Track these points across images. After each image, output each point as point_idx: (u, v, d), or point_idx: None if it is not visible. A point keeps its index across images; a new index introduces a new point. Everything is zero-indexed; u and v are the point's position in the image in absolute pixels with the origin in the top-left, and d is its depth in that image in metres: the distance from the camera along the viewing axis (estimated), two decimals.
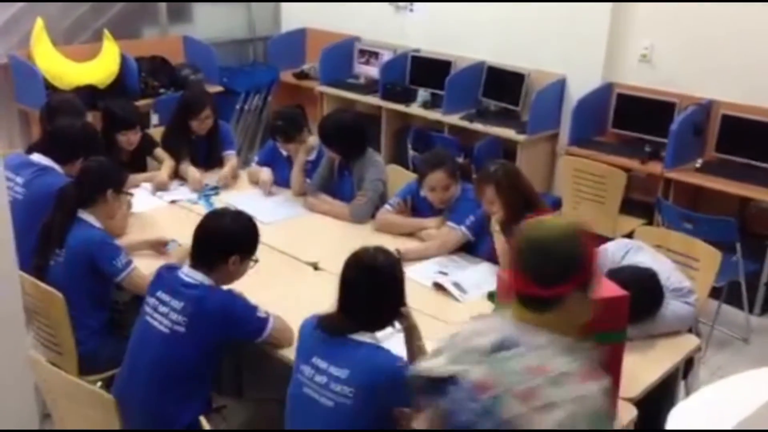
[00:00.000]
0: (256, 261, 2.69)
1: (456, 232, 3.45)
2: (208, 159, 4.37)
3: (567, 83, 5.42)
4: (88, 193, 3.10)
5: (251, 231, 2.68)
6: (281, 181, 4.15)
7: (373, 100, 6.08)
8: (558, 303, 1.69)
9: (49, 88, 5.33)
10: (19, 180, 3.38)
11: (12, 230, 2.69)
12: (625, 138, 5.18)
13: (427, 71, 6.00)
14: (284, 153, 4.18)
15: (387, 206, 3.72)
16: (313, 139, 4.07)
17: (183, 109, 4.37)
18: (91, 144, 3.55)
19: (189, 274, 2.56)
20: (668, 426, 1.68)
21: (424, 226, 3.59)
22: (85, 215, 3.06)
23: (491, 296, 2.57)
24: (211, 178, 4.24)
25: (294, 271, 3.30)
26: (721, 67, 4.78)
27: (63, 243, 2.99)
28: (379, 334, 2.35)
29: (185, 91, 5.26)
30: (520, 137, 5.25)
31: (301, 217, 3.87)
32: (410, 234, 3.60)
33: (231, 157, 4.40)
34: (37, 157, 3.48)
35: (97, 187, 3.12)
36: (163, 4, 6.41)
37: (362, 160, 3.89)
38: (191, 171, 4.21)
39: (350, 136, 3.88)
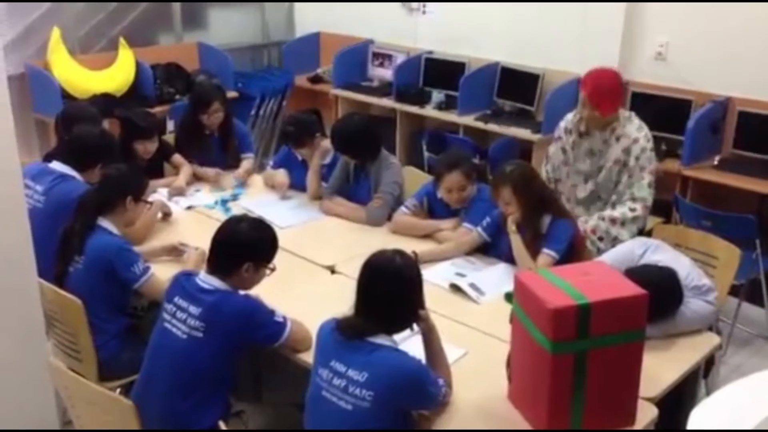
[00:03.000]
0: (273, 269, 2.68)
1: (472, 233, 3.44)
2: (224, 158, 4.39)
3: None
4: (107, 200, 3.12)
5: (267, 240, 2.67)
6: (297, 184, 4.16)
7: (388, 102, 6.08)
8: None
9: (66, 97, 5.38)
10: (39, 188, 3.41)
11: (31, 238, 2.72)
12: None
13: (441, 73, 5.99)
14: (299, 157, 4.19)
15: (403, 208, 3.71)
16: (328, 143, 4.08)
17: (193, 105, 4.41)
18: (109, 151, 3.58)
19: (206, 279, 2.57)
20: (689, 426, 1.67)
21: (440, 228, 3.59)
22: (105, 222, 3.08)
23: (509, 297, 2.57)
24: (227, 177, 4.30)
25: (311, 274, 3.31)
26: (738, 64, 4.74)
27: (82, 249, 3.01)
28: (397, 337, 2.35)
29: (193, 88, 5.32)
30: (536, 137, 5.23)
31: (318, 221, 3.87)
32: (426, 236, 3.59)
33: (248, 160, 4.45)
34: (56, 165, 3.50)
35: (117, 194, 3.14)
36: (178, 12, 6.46)
37: (377, 162, 3.89)
38: (206, 169, 4.28)
39: (361, 140, 3.88)
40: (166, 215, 3.80)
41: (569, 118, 3.86)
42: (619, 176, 3.66)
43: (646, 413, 2.34)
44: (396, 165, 3.95)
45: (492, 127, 5.46)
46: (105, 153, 3.53)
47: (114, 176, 3.20)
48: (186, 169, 4.26)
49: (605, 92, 3.61)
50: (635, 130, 3.64)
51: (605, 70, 3.75)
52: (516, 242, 3.21)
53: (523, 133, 5.32)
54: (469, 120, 5.57)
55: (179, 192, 4.09)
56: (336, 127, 4.01)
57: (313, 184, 4.05)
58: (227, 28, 6.84)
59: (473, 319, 2.91)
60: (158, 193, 4.00)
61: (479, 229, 3.42)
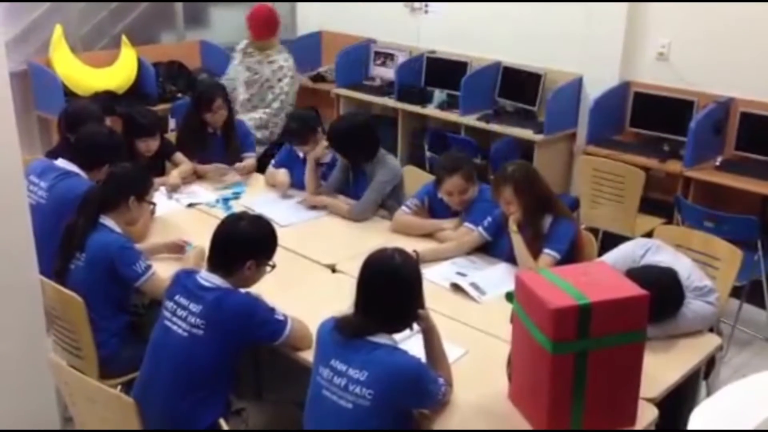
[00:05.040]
0: (273, 266, 2.68)
1: (473, 233, 3.44)
2: (226, 156, 4.39)
3: (584, 82, 5.40)
4: (111, 198, 3.12)
5: (268, 236, 2.68)
6: (299, 183, 4.15)
7: (389, 101, 6.08)
8: None
9: (68, 94, 5.39)
10: (43, 184, 3.42)
11: (32, 235, 2.73)
12: (643, 137, 5.14)
13: (442, 72, 5.99)
14: (301, 155, 4.19)
15: (404, 208, 3.71)
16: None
17: (196, 104, 4.42)
18: (117, 151, 3.58)
19: (206, 277, 2.57)
20: (690, 426, 1.67)
21: (441, 228, 3.59)
22: (107, 220, 3.08)
23: (509, 296, 2.57)
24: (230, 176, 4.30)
25: (312, 273, 3.31)
26: (740, 65, 4.74)
27: (83, 246, 3.02)
28: (397, 336, 2.35)
29: (195, 87, 5.34)
30: (538, 137, 5.23)
31: (319, 220, 3.87)
32: (428, 235, 3.59)
33: (250, 159, 4.45)
34: (61, 163, 3.51)
35: (121, 192, 3.14)
36: (180, 10, 6.46)
37: (374, 162, 3.88)
38: (206, 166, 4.29)
39: (356, 140, 3.87)
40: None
41: (243, 42, 5.26)
42: (268, 91, 5.06)
43: (647, 414, 2.34)
44: (391, 164, 3.92)
45: (494, 127, 5.45)
46: (113, 153, 3.53)
47: (119, 175, 3.20)
48: (183, 166, 4.26)
49: (255, 21, 5.10)
50: (282, 60, 5.10)
51: (263, 5, 5.24)
52: (517, 242, 3.21)
53: (525, 133, 5.31)
54: (470, 120, 5.57)
55: (174, 188, 4.09)
56: (333, 125, 4.00)
57: (311, 182, 4.04)
58: (229, 27, 6.81)
59: (474, 318, 2.90)
60: (160, 191, 4.00)
61: (481, 228, 3.42)
